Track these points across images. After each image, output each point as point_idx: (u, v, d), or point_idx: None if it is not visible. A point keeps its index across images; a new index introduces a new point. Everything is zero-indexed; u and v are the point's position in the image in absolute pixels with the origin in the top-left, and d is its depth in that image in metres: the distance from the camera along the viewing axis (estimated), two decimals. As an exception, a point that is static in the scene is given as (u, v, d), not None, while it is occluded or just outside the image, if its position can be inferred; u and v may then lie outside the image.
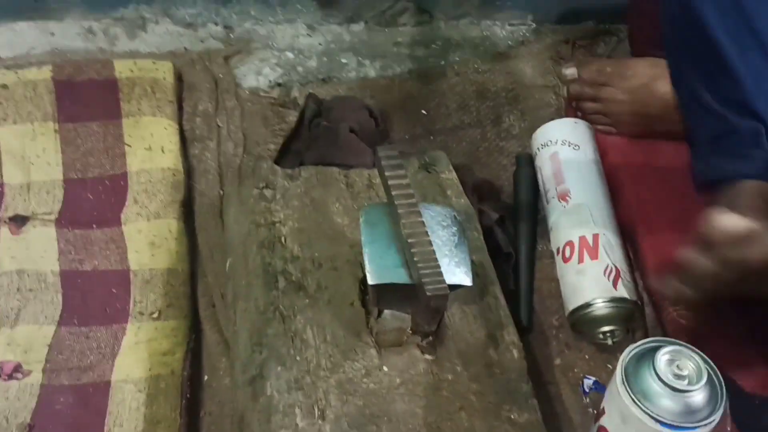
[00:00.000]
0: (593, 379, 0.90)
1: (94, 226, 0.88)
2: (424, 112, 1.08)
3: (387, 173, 0.71)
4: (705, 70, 0.82)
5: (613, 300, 0.88)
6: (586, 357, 0.92)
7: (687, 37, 0.82)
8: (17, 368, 0.77)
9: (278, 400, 0.68)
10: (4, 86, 0.95)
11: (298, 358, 0.71)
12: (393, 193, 0.70)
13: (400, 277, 0.67)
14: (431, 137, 1.06)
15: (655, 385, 0.61)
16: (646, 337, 0.92)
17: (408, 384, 0.71)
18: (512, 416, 0.71)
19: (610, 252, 0.91)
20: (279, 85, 1.06)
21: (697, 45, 0.81)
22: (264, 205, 0.83)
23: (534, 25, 1.20)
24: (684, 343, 0.65)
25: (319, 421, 0.68)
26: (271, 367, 0.70)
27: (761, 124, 0.78)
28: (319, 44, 1.13)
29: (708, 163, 0.83)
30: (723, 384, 0.62)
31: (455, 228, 0.72)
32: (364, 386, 0.70)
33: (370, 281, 0.67)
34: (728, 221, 0.67)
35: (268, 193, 0.84)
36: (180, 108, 0.99)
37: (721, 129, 0.81)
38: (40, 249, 0.85)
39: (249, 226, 0.82)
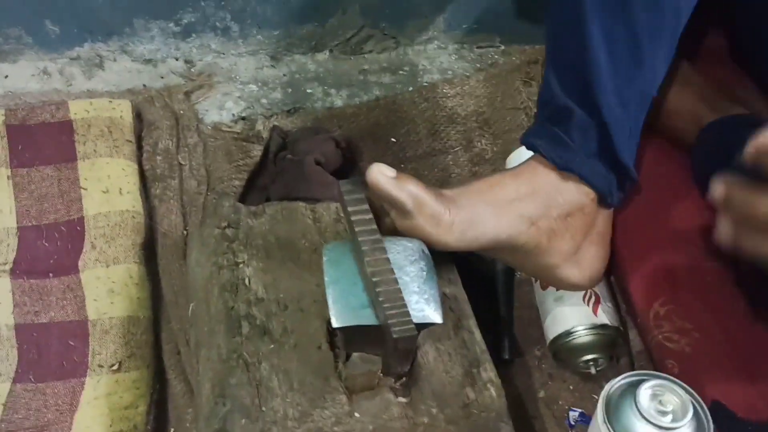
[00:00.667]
0: (579, 411, 0.87)
1: (51, 274, 0.84)
2: (393, 139, 1.05)
3: (350, 208, 0.68)
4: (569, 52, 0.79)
5: (594, 327, 0.85)
6: (571, 387, 0.89)
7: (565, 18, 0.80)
8: (-31, 431, 0.73)
9: (243, 455, 0.64)
10: (-45, 132, 0.92)
11: (263, 408, 0.67)
12: (356, 229, 0.67)
13: (367, 318, 0.64)
14: (402, 165, 1.03)
15: (638, 423, 0.58)
16: (631, 363, 0.89)
17: (381, 430, 0.67)
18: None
19: (590, 277, 0.88)
20: (243, 118, 1.03)
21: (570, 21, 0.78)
22: (226, 246, 0.80)
23: (502, 47, 1.18)
24: (667, 376, 0.62)
25: (289, 476, 0.64)
26: (234, 419, 0.66)
27: (594, 121, 0.76)
28: (284, 75, 1.10)
29: (534, 126, 0.81)
30: (710, 418, 0.59)
31: (423, 262, 0.69)
32: (335, 435, 0.66)
33: (335, 324, 0.63)
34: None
35: (230, 232, 0.81)
36: (139, 147, 0.96)
37: (562, 106, 0.78)
38: (-6, 302, 0.81)
39: (211, 268, 0.78)
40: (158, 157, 0.96)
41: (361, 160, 1.03)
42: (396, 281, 0.64)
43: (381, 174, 0.67)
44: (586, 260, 0.80)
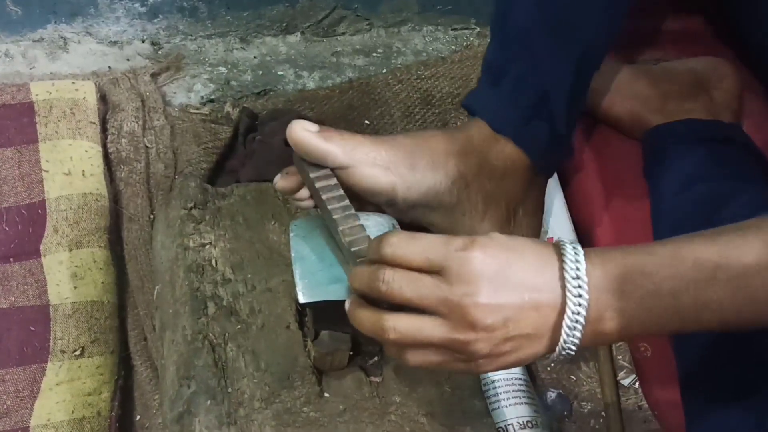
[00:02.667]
0: (557, 391, 0.85)
1: (11, 259, 0.81)
2: (367, 122, 1.02)
3: (312, 175, 0.65)
4: None
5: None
6: (549, 368, 0.87)
7: None
8: (-76, 420, 0.70)
9: (208, 438, 0.62)
10: None
11: (230, 389, 0.65)
12: (323, 197, 0.64)
13: (336, 293, 0.61)
14: (375, 148, 1.01)
15: None
16: (610, 346, 0.87)
17: (352, 410, 0.65)
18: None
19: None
20: (211, 101, 1.01)
21: None
22: (192, 227, 0.77)
23: (477, 29, 1.16)
24: None
25: (255, 458, 0.62)
26: (199, 402, 0.64)
27: (532, 85, 0.74)
28: (254, 57, 1.07)
29: (475, 89, 0.80)
30: None
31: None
32: (304, 415, 0.64)
33: (302, 300, 0.61)
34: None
35: (196, 213, 0.79)
36: (104, 130, 0.93)
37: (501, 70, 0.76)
38: (-48, 288, 0.78)
39: (176, 249, 0.76)
40: (123, 140, 0.93)
41: (333, 143, 1.00)
42: None
43: (304, 130, 0.64)
44: (520, 232, 0.78)
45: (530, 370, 0.86)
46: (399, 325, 0.52)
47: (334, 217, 0.62)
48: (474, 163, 0.73)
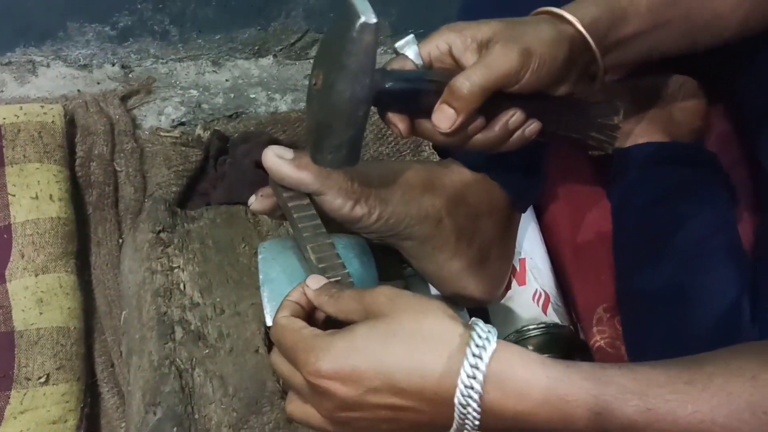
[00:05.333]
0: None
1: (-24, 285, 0.80)
2: (339, 143, 1.02)
3: (285, 195, 0.65)
4: None
5: (546, 326, 0.83)
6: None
7: None
8: None
9: (174, 466, 0.61)
10: None
11: (197, 416, 0.64)
12: (295, 215, 0.63)
13: (304, 316, 0.61)
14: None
15: None
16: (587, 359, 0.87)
17: (322, 435, 0.64)
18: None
19: (538, 276, 0.87)
20: (182, 123, 1.00)
21: None
22: (161, 250, 0.76)
23: (450, 50, 1.17)
24: None
25: (223, 486, 0.60)
26: (165, 429, 0.63)
27: None
28: (226, 80, 1.07)
29: None
30: None
31: (365, 257, 0.66)
32: (273, 442, 0.63)
33: (269, 323, 0.60)
34: None
35: (165, 236, 0.78)
36: (73, 153, 0.92)
37: None
38: None
39: (144, 273, 0.75)
40: (92, 163, 0.92)
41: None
42: (344, 266, 0.61)
43: (277, 157, 0.63)
44: (489, 274, 0.77)
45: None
46: (292, 410, 0.53)
47: (304, 235, 0.62)
48: (449, 201, 0.73)
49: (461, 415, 0.47)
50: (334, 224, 0.68)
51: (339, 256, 0.60)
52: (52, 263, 0.82)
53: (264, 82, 1.08)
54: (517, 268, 0.87)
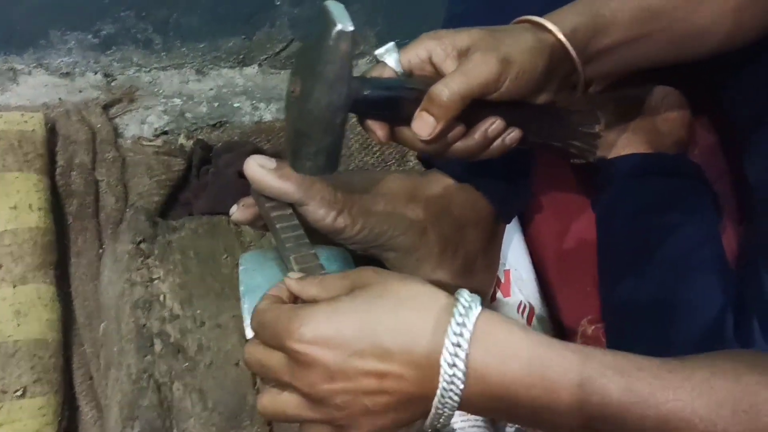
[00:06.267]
0: (515, 427, 0.84)
1: (-48, 296, 0.78)
2: (324, 153, 1.02)
3: (267, 205, 0.64)
4: None
5: (530, 339, 0.83)
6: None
7: None
8: None
9: (151, 482, 0.60)
10: None
11: (175, 430, 0.63)
12: (277, 226, 0.63)
13: (285, 329, 0.60)
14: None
15: None
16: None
17: (303, 450, 0.63)
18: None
19: (523, 288, 0.86)
20: (165, 133, 0.99)
21: None
22: (141, 261, 0.75)
23: (436, 60, 1.16)
24: None
25: (201, 502, 0.59)
26: (143, 444, 0.62)
27: None
28: (210, 89, 1.06)
29: None
30: None
31: (346, 267, 0.66)
32: (252, 457, 0.62)
33: (249, 335, 0.59)
34: None
35: (145, 247, 0.77)
36: (53, 162, 0.90)
37: None
38: None
39: (123, 285, 0.74)
40: (73, 173, 0.91)
41: (289, 175, 0.99)
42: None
43: (259, 167, 0.63)
44: (474, 285, 0.77)
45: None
46: (265, 403, 0.51)
47: (287, 245, 0.61)
48: (434, 212, 0.72)
49: (447, 378, 0.47)
50: (317, 235, 0.67)
51: (322, 267, 0.60)
52: (31, 274, 0.80)
53: (248, 91, 1.08)
54: (502, 279, 0.86)
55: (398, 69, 0.62)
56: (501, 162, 0.72)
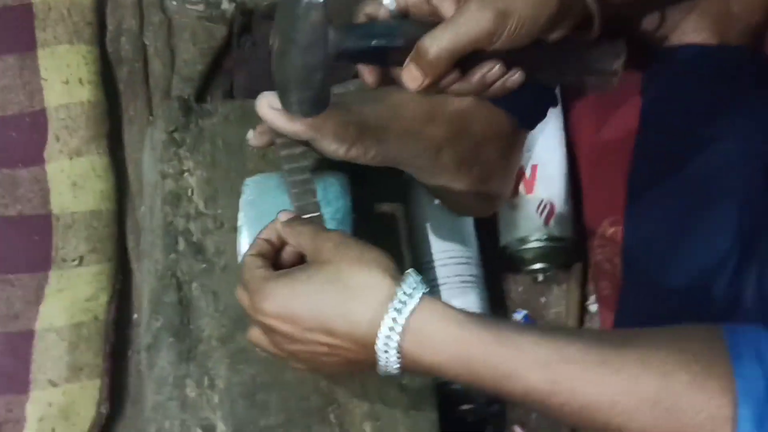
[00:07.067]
0: (523, 312, 0.89)
1: (20, 164, 0.88)
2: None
3: (278, 141, 0.66)
4: None
5: (545, 238, 0.85)
6: (520, 289, 0.91)
7: None
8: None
9: (169, 372, 0.71)
10: None
11: (191, 327, 0.73)
12: (285, 167, 0.66)
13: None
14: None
15: None
16: (584, 272, 0.89)
17: (301, 350, 0.72)
18: (404, 382, 0.72)
19: (548, 185, 0.86)
20: (208, -6, 0.98)
21: None
22: (173, 152, 0.80)
23: None
24: None
25: (208, 391, 0.70)
26: (163, 338, 0.72)
27: None
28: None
29: None
30: None
31: (342, 202, 0.69)
32: (256, 356, 0.71)
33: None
34: None
35: (178, 136, 0.81)
36: (103, 28, 0.93)
37: None
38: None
39: (156, 176, 0.80)
40: (122, 38, 0.94)
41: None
42: (319, 206, 0.64)
43: (269, 109, 0.64)
44: (490, 192, 0.77)
45: (502, 289, 0.90)
46: (250, 335, 0.62)
47: (289, 179, 0.65)
48: (452, 130, 0.71)
49: (383, 358, 0.54)
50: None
51: (318, 207, 0.64)
52: (85, 146, 0.88)
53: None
54: (527, 175, 0.86)
55: (392, 7, 0.59)
56: None
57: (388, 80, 0.64)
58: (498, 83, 0.62)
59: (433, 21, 0.58)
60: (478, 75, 0.60)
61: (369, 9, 0.60)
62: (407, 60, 0.59)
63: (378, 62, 0.61)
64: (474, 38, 0.57)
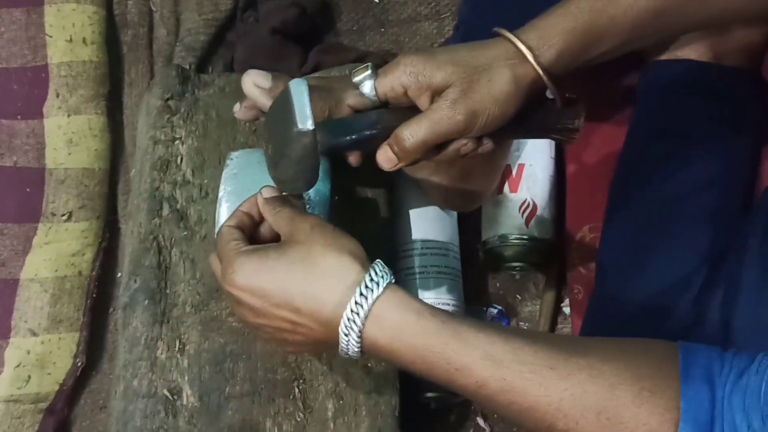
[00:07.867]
0: (498, 308, 0.90)
1: (19, 116, 0.90)
2: (376, 0, 1.00)
3: (262, 119, 0.68)
4: None
5: (524, 237, 0.86)
6: (497, 285, 0.92)
7: None
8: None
9: (142, 333, 0.73)
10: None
11: (168, 291, 0.74)
12: (267, 143, 0.67)
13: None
14: (382, 29, 0.99)
15: None
16: (562, 275, 0.90)
17: (272, 323, 0.74)
18: (369, 364, 0.74)
19: (532, 186, 0.87)
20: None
21: None
22: (167, 119, 0.82)
23: None
24: None
25: (178, 355, 0.72)
26: (140, 299, 0.74)
27: None
28: None
29: None
30: None
31: (323, 183, 0.70)
32: (227, 325, 0.73)
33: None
34: None
35: (173, 104, 0.83)
36: (111, -12, 0.95)
37: None
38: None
39: (148, 141, 0.81)
40: (129, 2, 0.95)
41: (338, 20, 0.99)
42: None
43: (254, 87, 0.66)
44: (471, 188, 0.78)
45: (479, 283, 0.91)
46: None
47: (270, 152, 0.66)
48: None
49: (345, 340, 0.56)
50: None
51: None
52: (84, 105, 0.90)
53: None
54: (513, 174, 0.88)
55: (373, 98, 0.63)
56: None
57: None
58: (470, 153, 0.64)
59: (409, 105, 0.62)
60: (452, 148, 0.63)
61: (351, 101, 0.63)
62: (384, 143, 0.62)
63: (362, 150, 0.65)
64: (447, 133, 0.60)
